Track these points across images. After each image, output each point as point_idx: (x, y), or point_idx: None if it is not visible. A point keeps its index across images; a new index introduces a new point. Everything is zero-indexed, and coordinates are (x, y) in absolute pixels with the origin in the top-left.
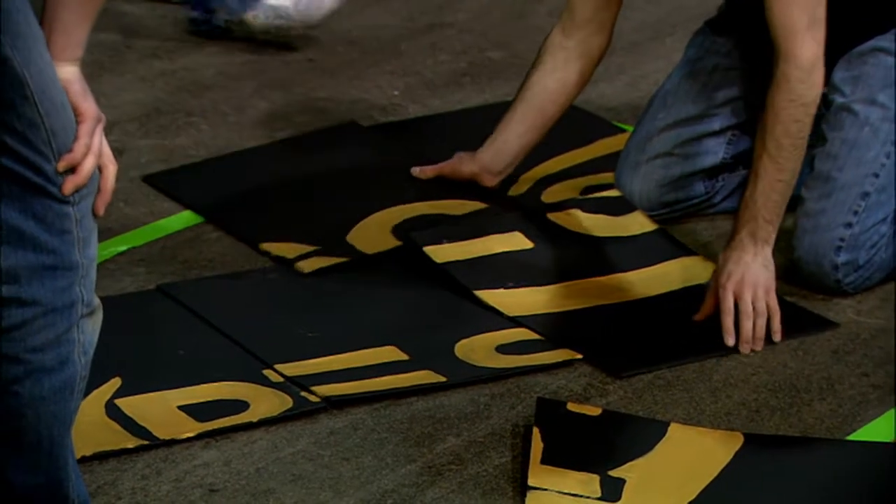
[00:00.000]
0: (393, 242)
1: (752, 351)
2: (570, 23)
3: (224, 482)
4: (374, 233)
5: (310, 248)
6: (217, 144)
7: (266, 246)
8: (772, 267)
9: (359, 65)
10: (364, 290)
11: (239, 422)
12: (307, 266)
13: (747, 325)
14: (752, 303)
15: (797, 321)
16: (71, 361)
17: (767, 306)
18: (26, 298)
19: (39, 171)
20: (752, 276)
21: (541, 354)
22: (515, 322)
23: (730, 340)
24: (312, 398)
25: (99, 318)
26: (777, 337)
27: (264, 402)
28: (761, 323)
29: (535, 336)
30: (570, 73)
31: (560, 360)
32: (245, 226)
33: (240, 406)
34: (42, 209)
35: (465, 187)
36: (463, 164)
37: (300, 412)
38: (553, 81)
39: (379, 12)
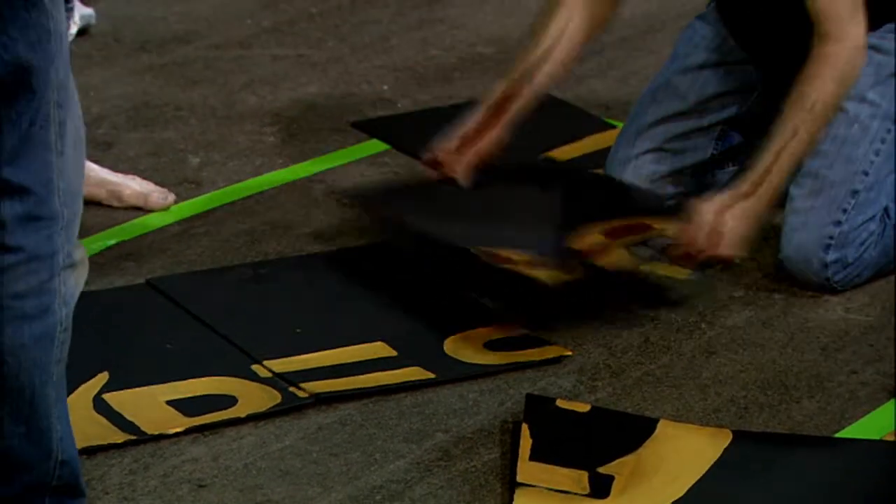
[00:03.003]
0: (628, 259)
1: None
2: None
3: (212, 477)
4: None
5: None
6: (206, 139)
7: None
8: (754, 222)
9: (348, 60)
10: (353, 287)
11: (227, 417)
12: (551, 279)
13: (698, 251)
14: (715, 245)
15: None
16: (52, 311)
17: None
18: (11, 245)
19: (49, 115)
20: (732, 224)
21: (530, 351)
22: (505, 318)
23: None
24: (301, 394)
25: (82, 272)
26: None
27: (252, 397)
28: (704, 256)
29: (525, 332)
30: (582, 24)
31: (549, 356)
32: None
33: (228, 401)
34: (32, 159)
35: None
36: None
37: (288, 408)
38: (563, 29)
39: (369, 7)
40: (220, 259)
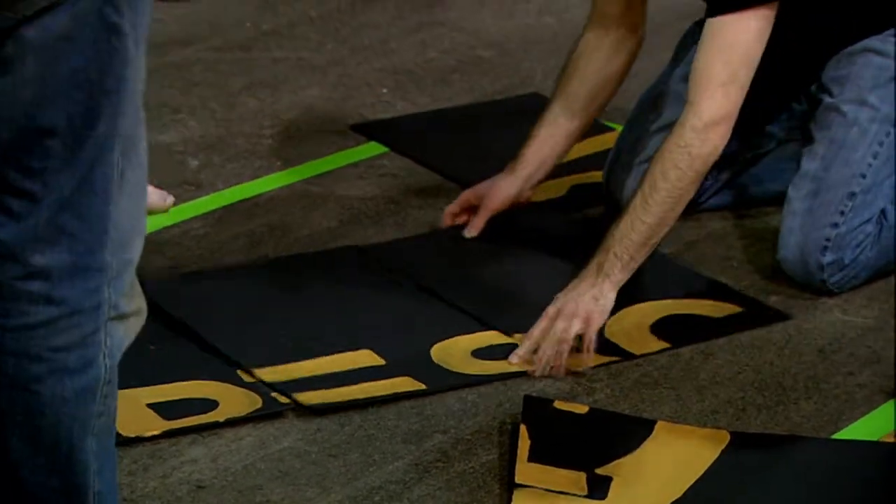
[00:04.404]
0: (659, 344)
1: (550, 376)
2: (606, 20)
3: (211, 479)
4: (633, 330)
5: None
6: (205, 141)
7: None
8: (604, 302)
9: (348, 62)
10: (338, 292)
11: (205, 421)
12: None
13: (545, 350)
14: (564, 330)
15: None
16: (95, 364)
17: (582, 338)
18: (55, 297)
19: (111, 164)
20: (573, 306)
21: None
22: (487, 325)
23: (511, 359)
24: (282, 399)
25: (134, 324)
26: (581, 367)
27: (233, 401)
28: (562, 349)
29: (508, 340)
30: (613, 70)
31: None
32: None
33: (209, 405)
34: (87, 207)
35: None
36: (502, 191)
37: (267, 413)
38: (597, 80)
39: (368, 10)
40: (218, 261)
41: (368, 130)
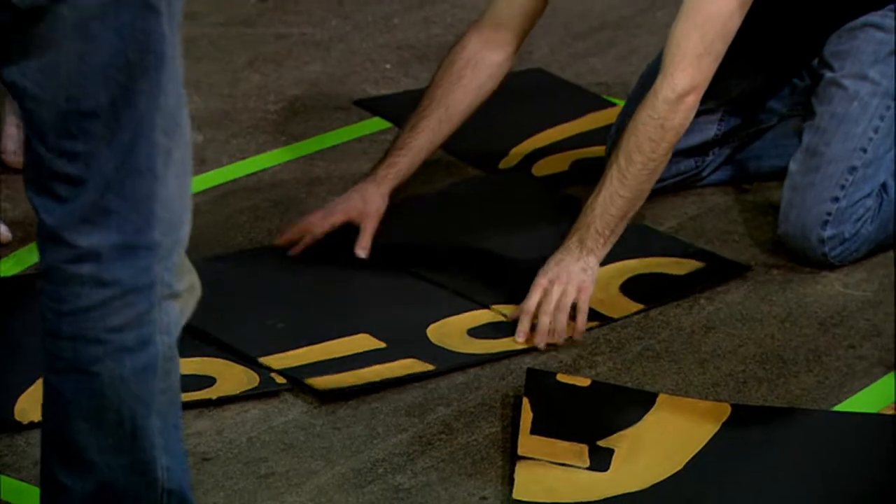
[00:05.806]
0: (634, 305)
1: (550, 344)
2: (500, 28)
3: (216, 451)
4: (604, 293)
5: None
6: (210, 117)
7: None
8: (591, 273)
9: (351, 38)
10: (326, 277)
11: (198, 398)
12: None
13: (543, 320)
14: (559, 298)
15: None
16: (152, 342)
17: (576, 306)
18: (106, 278)
19: (154, 143)
20: (566, 276)
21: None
22: (480, 304)
23: (518, 337)
24: (279, 379)
25: (189, 301)
26: (576, 335)
27: (231, 379)
28: (561, 318)
29: (500, 318)
30: (492, 87)
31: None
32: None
33: (207, 381)
34: (132, 187)
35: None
36: (378, 210)
37: (261, 392)
38: (479, 94)
39: None
40: (222, 236)
41: (372, 106)
